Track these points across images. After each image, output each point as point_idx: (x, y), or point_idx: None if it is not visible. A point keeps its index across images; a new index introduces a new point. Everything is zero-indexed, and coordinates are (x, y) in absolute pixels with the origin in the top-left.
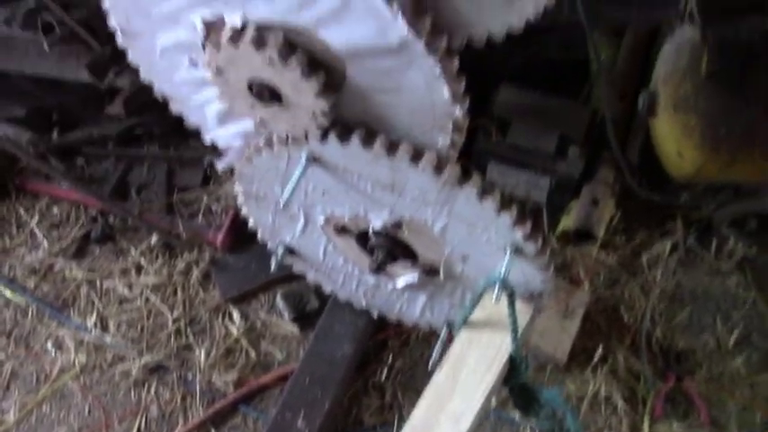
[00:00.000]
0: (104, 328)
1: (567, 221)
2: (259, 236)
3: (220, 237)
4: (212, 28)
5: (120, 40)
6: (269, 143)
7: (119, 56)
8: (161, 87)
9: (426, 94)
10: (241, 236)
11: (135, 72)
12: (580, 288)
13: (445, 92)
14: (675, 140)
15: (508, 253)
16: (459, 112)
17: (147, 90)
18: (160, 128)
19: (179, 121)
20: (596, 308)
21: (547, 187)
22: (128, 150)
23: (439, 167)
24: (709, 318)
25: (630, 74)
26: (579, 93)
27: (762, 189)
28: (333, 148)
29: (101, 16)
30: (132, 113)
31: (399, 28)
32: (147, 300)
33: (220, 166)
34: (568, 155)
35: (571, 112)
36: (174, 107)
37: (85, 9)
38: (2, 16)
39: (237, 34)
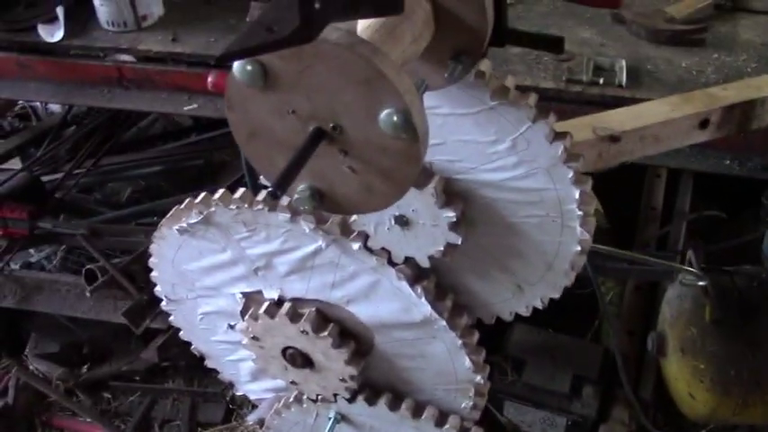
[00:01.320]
0: None
1: None
2: None
3: None
4: (251, 300)
5: (164, 305)
6: (299, 400)
7: (154, 302)
8: (199, 346)
9: (449, 362)
10: None
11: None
12: None
13: (466, 362)
14: (686, 383)
15: None
16: (480, 379)
17: (179, 338)
18: (186, 361)
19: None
20: None
21: (563, 426)
22: (153, 385)
23: (463, 431)
24: None
25: (637, 311)
26: (589, 326)
27: None
28: (360, 409)
29: (139, 263)
30: (164, 359)
31: (423, 308)
32: None
33: (251, 418)
34: (583, 394)
35: (584, 351)
36: (210, 363)
37: (126, 256)
38: (42, 256)
39: (274, 308)
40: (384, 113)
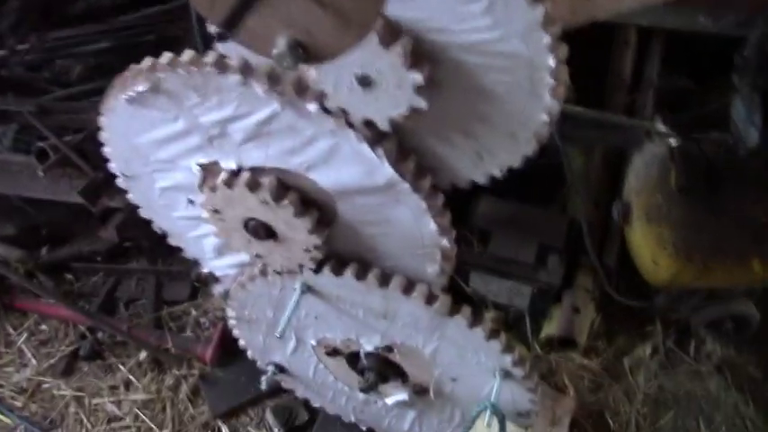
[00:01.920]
0: None
1: (550, 328)
2: (249, 355)
3: (209, 351)
4: (209, 171)
5: (120, 182)
6: (263, 272)
7: (111, 180)
8: (160, 224)
9: (414, 227)
10: (230, 349)
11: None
12: (566, 395)
13: (432, 225)
14: (650, 249)
15: (498, 378)
16: (446, 242)
17: (138, 215)
18: (148, 241)
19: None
20: (582, 414)
21: (529, 295)
22: (116, 265)
23: (430, 298)
24: (693, 421)
25: (604, 181)
26: (556, 197)
27: (735, 292)
28: (326, 279)
29: (93, 140)
30: (125, 238)
31: (385, 170)
32: (137, 417)
33: (216, 291)
34: (548, 263)
35: (550, 221)
36: (173, 241)
37: (78, 133)
38: None
39: (232, 178)
40: None
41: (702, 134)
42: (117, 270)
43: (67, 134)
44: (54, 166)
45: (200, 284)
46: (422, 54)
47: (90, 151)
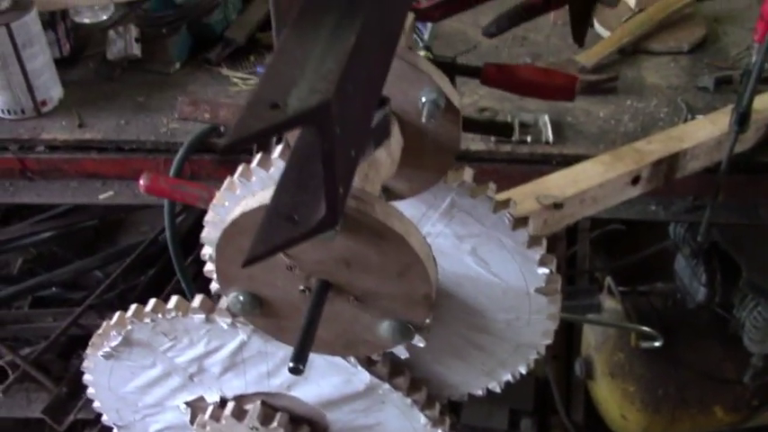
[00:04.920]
0: None
1: None
2: None
3: None
4: (196, 408)
5: None
6: None
7: (75, 393)
8: None
9: (406, 423)
10: None
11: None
12: None
13: (422, 418)
14: (617, 405)
15: None
16: (441, 430)
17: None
18: None
19: None
20: None
21: None
22: None
23: None
24: None
25: (559, 335)
26: None
27: None
28: None
29: (52, 352)
30: None
31: (362, 376)
32: None
33: None
34: (521, 428)
35: (516, 384)
36: None
37: (36, 346)
38: None
39: (218, 410)
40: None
41: (648, 285)
42: None
43: (23, 345)
44: (13, 385)
45: None
46: None
47: (49, 363)
